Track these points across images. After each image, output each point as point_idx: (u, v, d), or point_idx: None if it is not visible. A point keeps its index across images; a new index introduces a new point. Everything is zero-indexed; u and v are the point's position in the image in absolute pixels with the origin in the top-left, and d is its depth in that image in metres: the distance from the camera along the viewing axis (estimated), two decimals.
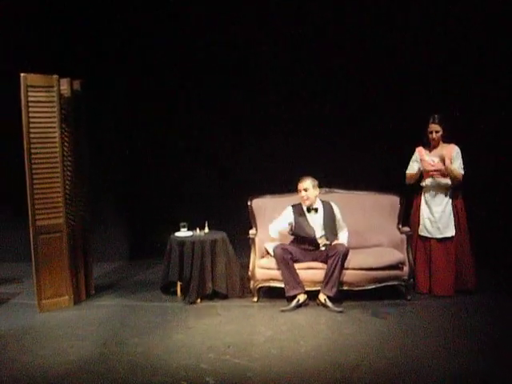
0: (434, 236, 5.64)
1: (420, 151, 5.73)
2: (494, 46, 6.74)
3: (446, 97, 6.66)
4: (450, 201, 5.62)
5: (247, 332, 4.87)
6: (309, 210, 5.61)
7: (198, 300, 5.66)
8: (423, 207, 5.72)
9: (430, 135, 5.63)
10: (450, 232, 5.59)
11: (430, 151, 5.67)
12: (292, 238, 5.69)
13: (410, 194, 5.89)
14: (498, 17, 6.62)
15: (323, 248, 5.56)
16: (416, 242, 5.75)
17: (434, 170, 5.62)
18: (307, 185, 5.55)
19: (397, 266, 5.53)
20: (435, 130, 5.60)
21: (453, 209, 5.61)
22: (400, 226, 5.87)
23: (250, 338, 4.72)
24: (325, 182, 5.83)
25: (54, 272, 5.53)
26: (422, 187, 5.76)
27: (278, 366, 4.18)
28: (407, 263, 5.58)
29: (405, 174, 5.83)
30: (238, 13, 7.09)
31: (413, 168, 5.77)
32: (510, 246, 6.53)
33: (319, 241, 5.57)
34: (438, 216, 5.61)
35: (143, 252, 7.54)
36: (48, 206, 5.46)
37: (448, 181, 5.60)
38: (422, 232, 5.70)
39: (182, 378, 3.99)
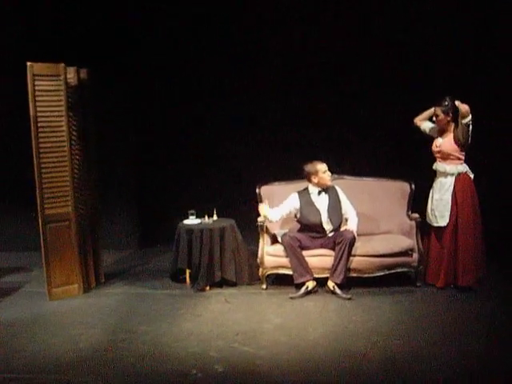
0: (432, 223, 5.54)
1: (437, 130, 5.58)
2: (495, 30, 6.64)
3: (458, 82, 6.56)
4: (451, 190, 5.41)
5: (256, 319, 4.87)
6: (319, 192, 5.62)
7: (207, 287, 5.67)
8: (430, 193, 5.62)
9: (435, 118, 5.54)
10: (444, 222, 5.42)
11: (441, 135, 5.52)
12: (299, 225, 5.68)
13: (420, 180, 5.83)
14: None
15: (331, 234, 5.55)
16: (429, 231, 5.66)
17: (437, 152, 5.49)
18: (326, 166, 5.59)
19: (406, 253, 5.51)
20: (436, 113, 5.46)
21: (452, 199, 5.40)
22: (409, 213, 5.83)
23: (258, 326, 4.72)
24: (335, 169, 5.78)
25: (63, 260, 5.56)
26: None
27: (287, 353, 4.18)
28: (416, 250, 5.54)
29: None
30: (241, 9, 7.03)
31: (427, 124, 5.65)
32: None
33: (325, 226, 5.56)
34: (435, 204, 5.49)
35: (152, 240, 7.55)
36: (56, 195, 5.48)
37: (450, 167, 5.40)
38: (427, 218, 5.61)
39: (190, 366, 4.00)
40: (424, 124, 5.67)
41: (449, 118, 5.40)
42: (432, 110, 5.57)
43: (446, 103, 5.38)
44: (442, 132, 5.51)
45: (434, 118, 5.51)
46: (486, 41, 6.62)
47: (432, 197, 5.57)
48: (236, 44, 7.10)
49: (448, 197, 5.42)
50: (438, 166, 5.50)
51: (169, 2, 7.10)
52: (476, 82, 6.56)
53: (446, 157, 5.44)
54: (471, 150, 5.48)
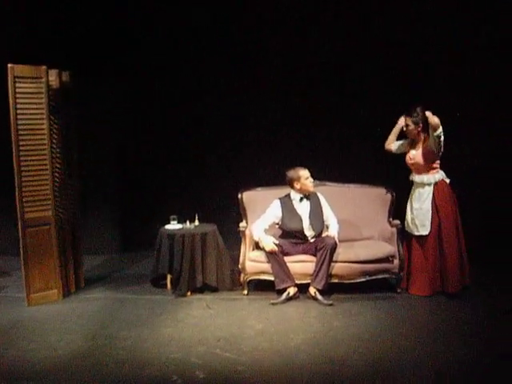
0: (413, 232, 5.53)
1: (407, 144, 5.59)
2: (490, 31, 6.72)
3: (440, 88, 6.63)
4: (430, 198, 5.41)
5: (237, 325, 4.86)
6: (301, 199, 5.62)
7: (188, 293, 5.64)
8: (408, 202, 5.62)
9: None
10: (425, 230, 5.42)
11: (414, 147, 5.51)
12: (281, 231, 5.69)
13: (401, 187, 5.86)
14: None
15: (312, 240, 5.56)
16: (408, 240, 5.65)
17: (412, 164, 5.50)
18: (308, 172, 5.58)
19: (387, 259, 5.53)
20: (406, 123, 5.45)
21: (432, 207, 5.41)
22: (391, 219, 5.87)
23: (240, 331, 4.71)
24: (316, 175, 5.79)
25: (42, 265, 5.49)
26: None
27: (268, 359, 4.18)
28: (397, 256, 5.58)
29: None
30: (241, 9, 7.04)
31: (396, 143, 5.67)
32: (500, 242, 6.54)
33: (306, 232, 5.57)
34: (415, 213, 5.48)
35: (133, 245, 7.51)
36: (36, 199, 5.41)
37: (428, 176, 5.41)
38: (407, 228, 5.60)
39: (171, 372, 3.97)
40: (394, 145, 5.69)
41: (419, 129, 5.41)
42: (397, 128, 5.62)
43: (416, 114, 5.37)
44: (413, 144, 5.52)
45: (404, 128, 5.49)
46: (486, 41, 6.68)
47: (411, 206, 5.56)
48: (236, 44, 7.10)
49: (428, 205, 5.42)
50: (415, 177, 5.52)
51: (169, 1, 7.09)
52: (476, 82, 6.65)
53: (421, 168, 5.45)
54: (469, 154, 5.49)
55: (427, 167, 5.44)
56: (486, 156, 6.72)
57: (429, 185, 5.45)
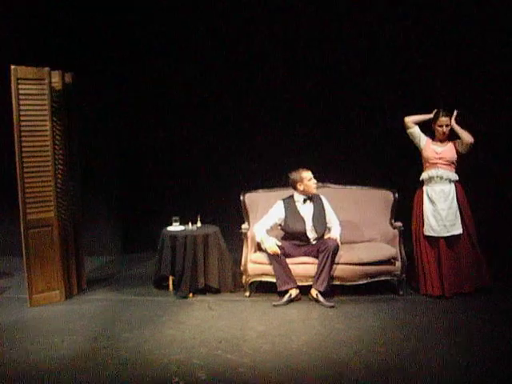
0: (441, 235, 5.37)
1: (427, 140, 5.49)
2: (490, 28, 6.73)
3: (440, 88, 6.64)
4: (455, 196, 5.38)
5: (239, 327, 4.86)
6: (305, 200, 5.62)
7: (190, 294, 5.65)
8: (427, 205, 5.45)
9: (440, 129, 5.39)
10: (458, 229, 5.36)
11: (438, 144, 5.46)
12: (283, 233, 5.69)
13: (404, 189, 5.86)
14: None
15: (314, 242, 5.56)
16: (422, 242, 5.50)
17: (439, 158, 5.40)
18: (311, 174, 5.57)
19: (389, 261, 5.53)
20: (446, 123, 5.36)
21: (457, 204, 5.39)
22: (393, 221, 5.87)
23: (241, 333, 4.71)
24: (319, 177, 5.80)
25: (45, 266, 5.50)
26: (422, 181, 5.51)
27: (270, 361, 4.17)
28: (399, 258, 5.58)
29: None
30: (241, 9, 7.05)
31: (419, 130, 5.50)
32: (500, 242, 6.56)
33: (309, 234, 5.57)
34: (444, 213, 5.35)
35: (135, 246, 7.53)
36: (39, 200, 5.43)
37: (452, 173, 5.39)
38: (428, 232, 5.41)
39: (173, 373, 3.97)
40: (416, 129, 5.49)
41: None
42: (427, 116, 5.48)
43: (444, 111, 5.37)
44: (437, 140, 5.47)
45: (444, 129, 5.38)
46: (486, 41, 6.69)
47: (434, 208, 5.40)
48: (236, 44, 7.13)
49: (455, 203, 5.38)
50: (440, 172, 5.39)
51: (169, 2, 7.10)
52: (476, 82, 6.65)
53: (448, 163, 5.40)
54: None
55: (453, 164, 5.42)
56: (486, 156, 6.72)
57: (451, 182, 5.40)
